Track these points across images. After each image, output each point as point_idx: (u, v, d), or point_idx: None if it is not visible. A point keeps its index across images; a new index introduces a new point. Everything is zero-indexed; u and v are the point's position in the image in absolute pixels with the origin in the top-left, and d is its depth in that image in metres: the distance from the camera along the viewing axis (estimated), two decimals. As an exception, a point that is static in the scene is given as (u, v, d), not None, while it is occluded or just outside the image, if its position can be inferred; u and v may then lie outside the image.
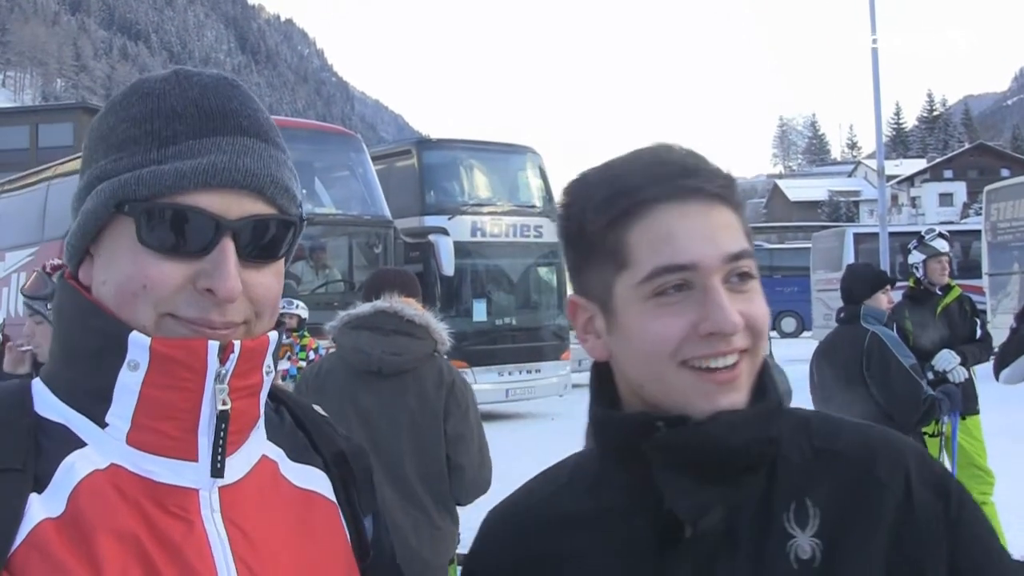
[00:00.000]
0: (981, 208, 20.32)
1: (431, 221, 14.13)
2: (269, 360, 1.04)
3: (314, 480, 1.12)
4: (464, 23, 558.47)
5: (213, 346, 0.97)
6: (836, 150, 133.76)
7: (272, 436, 1.11)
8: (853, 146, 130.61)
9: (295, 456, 1.12)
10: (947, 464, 5.69)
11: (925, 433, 5.65)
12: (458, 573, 3.91)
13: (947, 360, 6.30)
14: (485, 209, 15.03)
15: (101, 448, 0.97)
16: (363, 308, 3.65)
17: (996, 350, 5.68)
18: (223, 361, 0.98)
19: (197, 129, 0.99)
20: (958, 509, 1.05)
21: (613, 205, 1.06)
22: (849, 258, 21.76)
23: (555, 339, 15.38)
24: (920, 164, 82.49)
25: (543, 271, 15.95)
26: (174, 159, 0.97)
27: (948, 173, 74.59)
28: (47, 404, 1.00)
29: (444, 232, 13.63)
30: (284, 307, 8.58)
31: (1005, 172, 56.69)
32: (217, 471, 0.99)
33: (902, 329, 6.36)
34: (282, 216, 1.03)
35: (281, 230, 1.03)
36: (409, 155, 15.16)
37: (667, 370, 1.04)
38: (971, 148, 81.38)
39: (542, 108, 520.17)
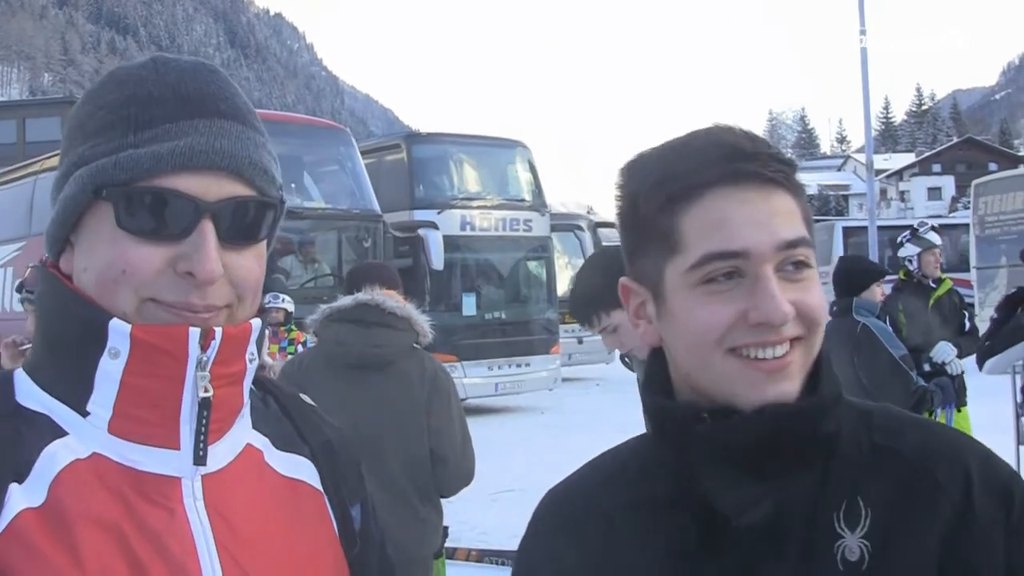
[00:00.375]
0: (969, 202, 20.39)
1: (420, 215, 14.07)
2: (252, 347, 1.03)
3: (300, 469, 1.11)
4: (454, 17, 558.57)
5: (194, 333, 0.96)
6: (825, 144, 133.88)
7: (258, 424, 1.10)
8: (842, 140, 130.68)
9: (281, 445, 1.11)
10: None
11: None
12: (445, 566, 3.90)
13: (946, 352, 6.30)
14: (475, 203, 14.98)
15: (82, 437, 0.96)
16: (344, 301, 3.63)
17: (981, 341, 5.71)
18: (204, 348, 0.97)
19: (174, 113, 0.98)
20: (1020, 518, 0.99)
21: (666, 188, 1.03)
22: (839, 251, 21.77)
23: (545, 333, 15.36)
24: (909, 158, 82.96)
25: (533, 265, 15.92)
26: (151, 142, 0.97)
27: (936, 167, 75.02)
28: (28, 394, 0.99)
29: (434, 226, 13.62)
30: (270, 301, 8.53)
31: (993, 166, 56.81)
32: (199, 459, 0.99)
33: (895, 321, 6.37)
34: (261, 198, 1.02)
35: (261, 212, 1.02)
36: (399, 149, 15.09)
37: (714, 357, 1.01)
38: (959, 142, 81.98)
39: (531, 102, 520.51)
